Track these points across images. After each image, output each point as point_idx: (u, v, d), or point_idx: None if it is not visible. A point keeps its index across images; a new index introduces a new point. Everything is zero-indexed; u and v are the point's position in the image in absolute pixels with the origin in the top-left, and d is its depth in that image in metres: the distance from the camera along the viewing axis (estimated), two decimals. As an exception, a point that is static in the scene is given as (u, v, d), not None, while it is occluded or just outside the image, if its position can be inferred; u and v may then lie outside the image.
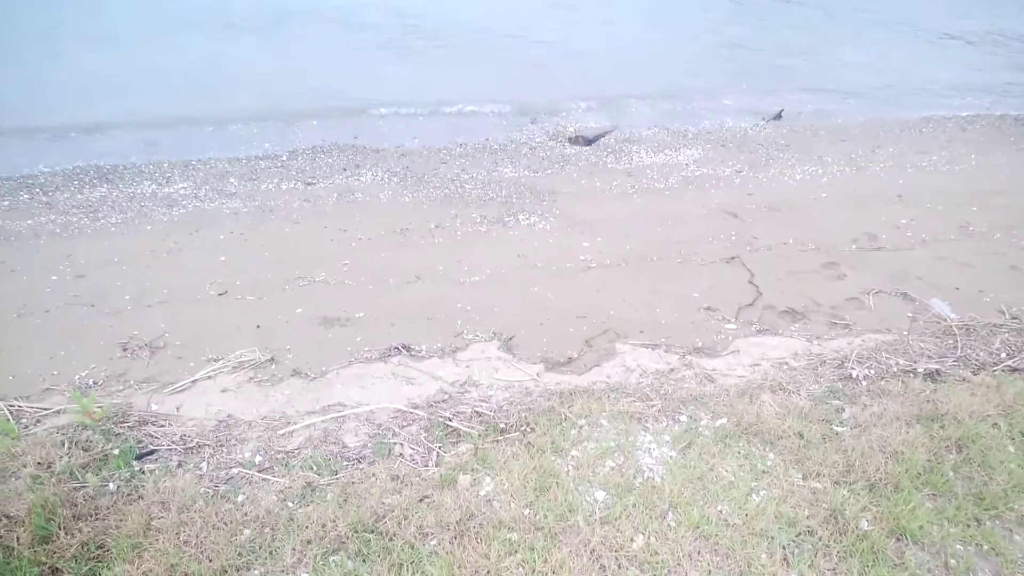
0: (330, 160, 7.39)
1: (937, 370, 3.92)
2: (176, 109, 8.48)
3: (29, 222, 6.05)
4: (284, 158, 7.39)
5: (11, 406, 3.46)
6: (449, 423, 3.34)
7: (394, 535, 2.63)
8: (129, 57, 10.16)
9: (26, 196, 6.53)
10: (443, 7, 12.67)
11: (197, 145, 7.68)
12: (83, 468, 2.98)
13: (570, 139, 8.37)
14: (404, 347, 4.09)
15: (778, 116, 9.44)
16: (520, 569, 2.49)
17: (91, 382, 3.74)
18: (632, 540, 2.63)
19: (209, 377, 3.80)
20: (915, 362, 4.00)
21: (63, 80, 9.15)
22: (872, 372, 3.90)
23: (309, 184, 6.74)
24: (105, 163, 7.15)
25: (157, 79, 9.35)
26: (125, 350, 4.05)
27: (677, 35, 12.44)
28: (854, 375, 3.84)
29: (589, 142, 8.30)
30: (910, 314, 4.67)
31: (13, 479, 2.88)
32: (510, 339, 4.24)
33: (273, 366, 3.91)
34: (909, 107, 10.33)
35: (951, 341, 4.29)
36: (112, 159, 7.25)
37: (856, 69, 11.92)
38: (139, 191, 6.54)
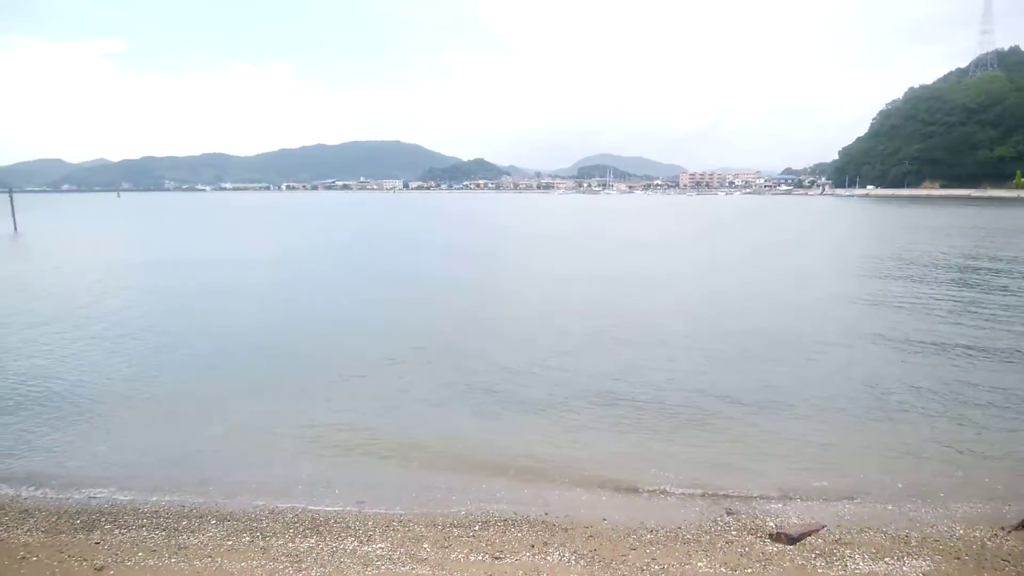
0: (519, 535, 7.31)
1: None
2: (385, 464, 9.35)
3: (242, 564, 6.50)
4: (476, 528, 7.48)
5: None
6: None
7: None
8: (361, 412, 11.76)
9: (247, 538, 7.16)
10: (656, 380, 13.43)
11: (403, 501, 8.18)
12: None
13: (771, 535, 7.58)
14: None
15: (1021, 526, 7.86)
16: None
17: None
18: None
19: None
20: None
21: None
22: None
23: (497, 559, 6.62)
24: (321, 511, 7.79)
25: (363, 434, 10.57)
26: None
27: (883, 413, 11.74)
28: None
29: (793, 540, 7.43)
30: None
31: None
32: None
33: None
34: None
35: None
36: (327, 506, 7.92)
37: None
38: (341, 546, 6.86)
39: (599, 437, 10.56)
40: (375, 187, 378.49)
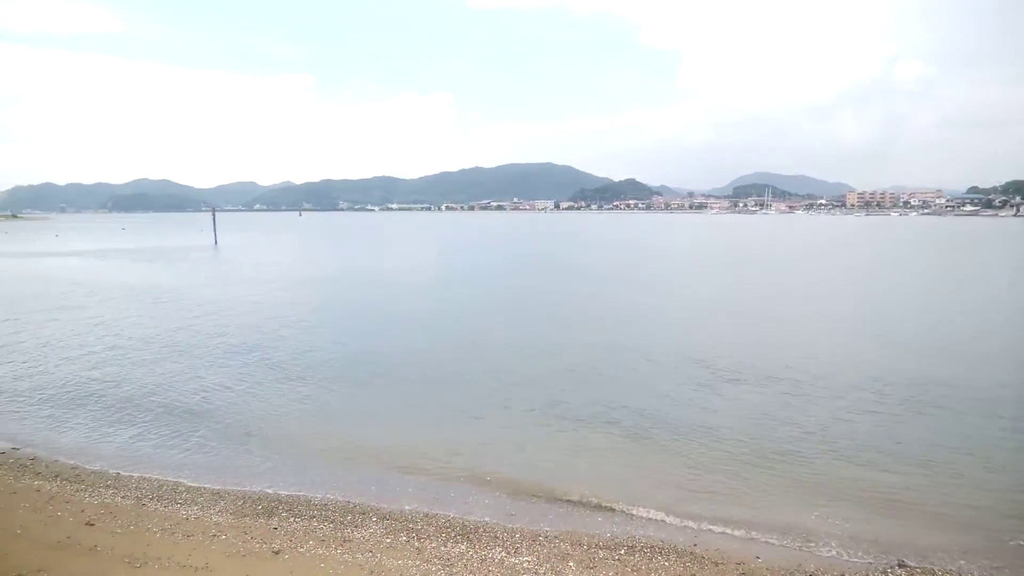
0: (666, 563, 7.05)
1: None
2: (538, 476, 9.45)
3: (399, 562, 6.88)
4: (622, 552, 7.32)
5: None
6: None
7: None
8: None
9: (404, 538, 7.58)
10: (824, 424, 12.43)
11: (551, 517, 8.26)
12: None
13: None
14: None
15: None
16: None
17: None
18: None
19: None
20: None
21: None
22: None
23: (645, 588, 6.42)
24: (472, 519, 8.05)
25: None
26: None
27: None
28: None
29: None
30: None
31: None
32: None
33: None
34: None
35: None
36: (477, 516, 8.17)
37: None
38: (490, 555, 7.04)
39: (753, 473, 9.87)
40: (527, 207, 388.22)
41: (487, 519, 8.27)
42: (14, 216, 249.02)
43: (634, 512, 8.55)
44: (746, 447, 10.80)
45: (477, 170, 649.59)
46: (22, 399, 13.76)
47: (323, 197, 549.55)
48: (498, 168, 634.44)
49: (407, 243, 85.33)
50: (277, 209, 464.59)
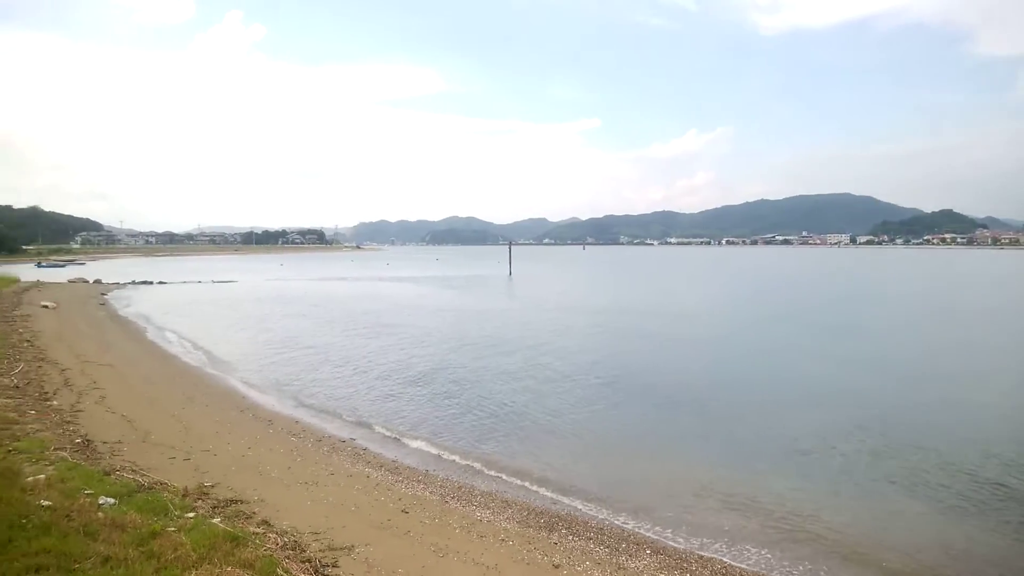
0: None
1: None
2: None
3: None
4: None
5: None
6: None
7: None
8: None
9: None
10: None
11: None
12: None
13: None
14: None
15: None
16: None
17: None
18: None
19: None
20: None
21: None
22: None
23: None
24: (740, 567, 7.39)
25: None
26: None
27: None
28: None
29: None
30: None
31: None
32: None
33: None
34: None
35: None
36: (747, 562, 7.48)
37: None
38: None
39: None
40: (817, 242, 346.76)
41: (759, 569, 7.64)
42: (357, 247, 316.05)
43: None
44: None
45: (762, 203, 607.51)
46: (355, 396, 16.78)
47: (605, 231, 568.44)
48: (785, 200, 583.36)
49: (663, 276, 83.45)
50: (563, 243, 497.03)
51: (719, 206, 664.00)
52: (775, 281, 69.90)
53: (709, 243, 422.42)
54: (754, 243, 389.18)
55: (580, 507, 9.87)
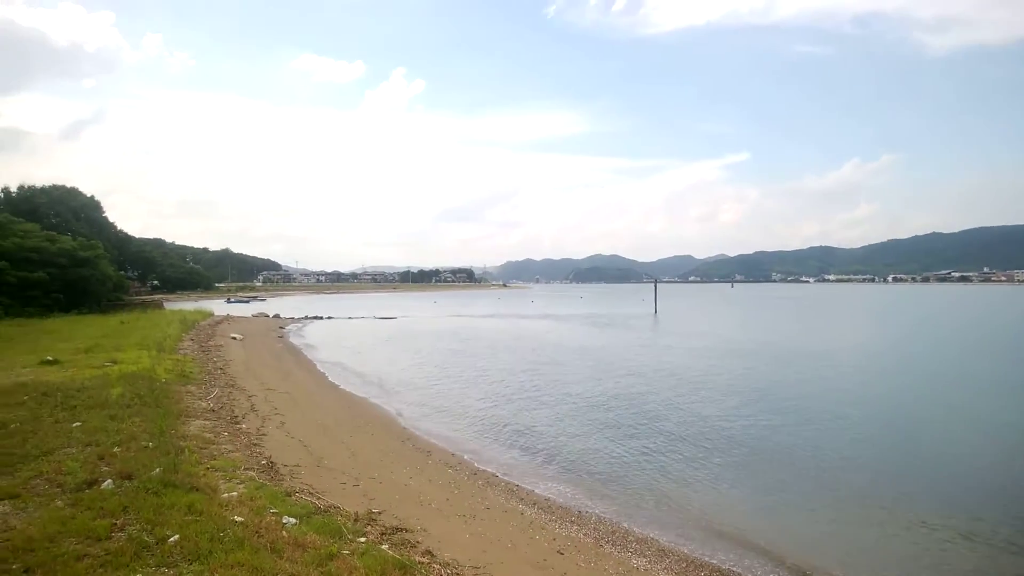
0: None
1: None
2: None
3: None
4: None
5: None
6: None
7: None
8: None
9: None
10: None
11: None
12: None
13: None
14: None
15: None
16: None
17: None
18: None
19: None
20: None
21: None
22: None
23: None
24: None
25: None
26: None
27: None
28: None
29: None
30: None
31: None
32: None
33: None
34: None
35: None
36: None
37: None
38: None
39: None
40: (1002, 279, 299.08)
41: None
42: (504, 285, 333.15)
43: None
44: None
45: (934, 236, 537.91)
46: (506, 431, 16.89)
47: (755, 268, 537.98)
48: (962, 233, 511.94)
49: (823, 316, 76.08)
50: (710, 280, 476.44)
51: (884, 240, 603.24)
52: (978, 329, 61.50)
53: (873, 280, 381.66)
54: (925, 280, 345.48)
55: (750, 564, 9.10)
